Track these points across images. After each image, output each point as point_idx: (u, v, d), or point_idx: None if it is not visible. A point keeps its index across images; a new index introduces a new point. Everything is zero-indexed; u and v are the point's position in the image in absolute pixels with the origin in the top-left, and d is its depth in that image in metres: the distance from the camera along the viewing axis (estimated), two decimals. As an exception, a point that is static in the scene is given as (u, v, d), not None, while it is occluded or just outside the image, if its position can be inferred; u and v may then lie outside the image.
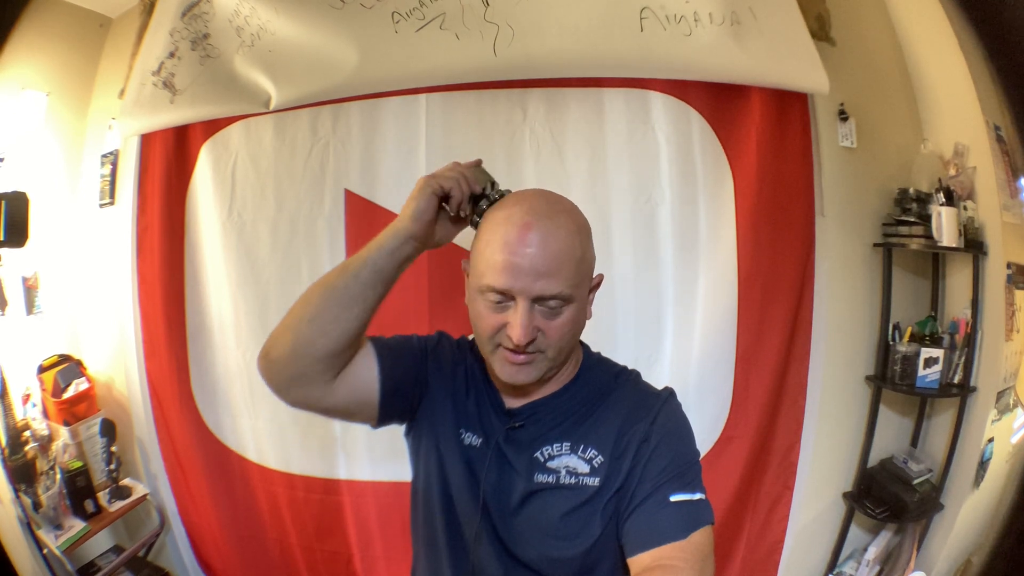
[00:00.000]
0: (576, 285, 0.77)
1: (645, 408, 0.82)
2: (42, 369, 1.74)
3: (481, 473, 0.84)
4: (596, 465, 0.80)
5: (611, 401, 0.84)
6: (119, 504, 1.75)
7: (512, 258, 0.74)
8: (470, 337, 0.91)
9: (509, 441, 0.84)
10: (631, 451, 0.78)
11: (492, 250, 0.76)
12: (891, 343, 1.60)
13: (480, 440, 0.85)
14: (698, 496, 0.75)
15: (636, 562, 0.72)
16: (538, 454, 0.82)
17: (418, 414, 0.90)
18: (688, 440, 0.82)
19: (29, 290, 1.73)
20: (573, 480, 0.80)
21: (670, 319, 1.64)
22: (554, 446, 0.82)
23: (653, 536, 0.71)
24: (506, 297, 0.76)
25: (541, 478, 0.81)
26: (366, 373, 0.86)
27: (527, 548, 0.81)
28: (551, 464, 0.81)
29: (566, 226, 0.77)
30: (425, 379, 0.89)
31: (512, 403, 0.86)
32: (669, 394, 0.85)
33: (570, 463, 0.81)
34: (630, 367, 0.91)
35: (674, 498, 0.74)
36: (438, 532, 0.87)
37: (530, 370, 0.79)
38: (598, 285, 0.84)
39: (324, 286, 0.81)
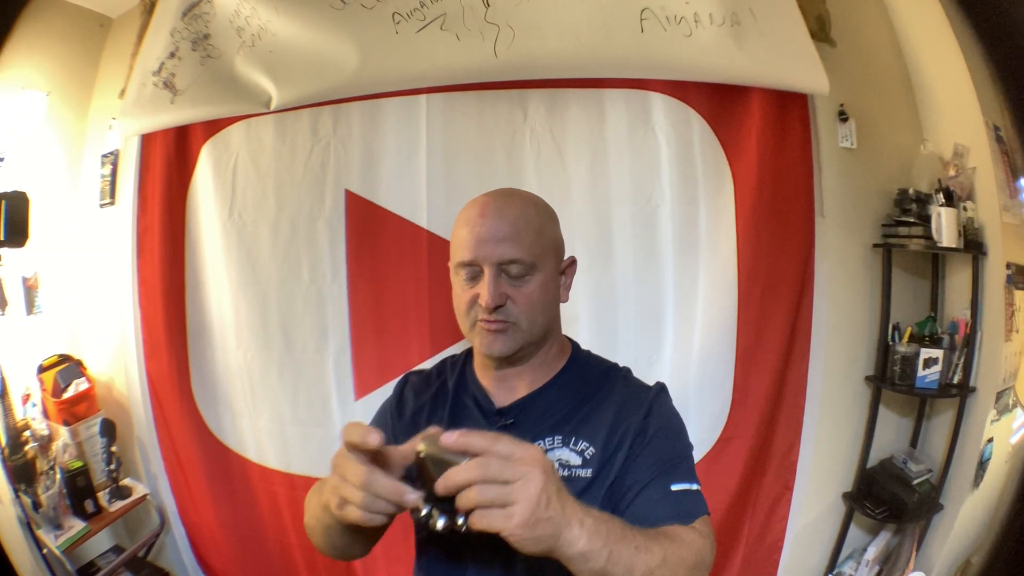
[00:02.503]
0: (538, 254, 0.82)
1: (638, 401, 0.84)
2: (42, 369, 1.74)
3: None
4: (588, 457, 0.81)
5: (602, 395, 0.86)
6: (119, 504, 1.74)
7: (473, 230, 0.81)
8: (449, 355, 0.97)
9: None
10: (626, 444, 0.80)
11: (457, 232, 0.84)
12: (891, 343, 1.60)
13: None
14: (696, 487, 0.77)
15: None
16: None
17: None
18: (682, 433, 0.85)
19: (29, 290, 1.73)
20: (565, 473, 0.81)
21: (670, 319, 1.64)
22: (545, 440, 0.83)
23: (658, 521, 0.72)
24: (475, 269, 0.82)
25: None
26: None
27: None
28: None
29: (521, 202, 0.84)
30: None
31: (502, 401, 0.87)
32: (660, 388, 0.87)
33: (562, 456, 0.82)
34: (630, 367, 0.91)
35: (675, 487, 0.76)
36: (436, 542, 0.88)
37: (505, 339, 0.83)
38: (570, 267, 0.89)
39: (320, 534, 0.82)
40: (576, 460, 0.81)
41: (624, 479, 0.78)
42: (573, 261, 0.90)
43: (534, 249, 0.81)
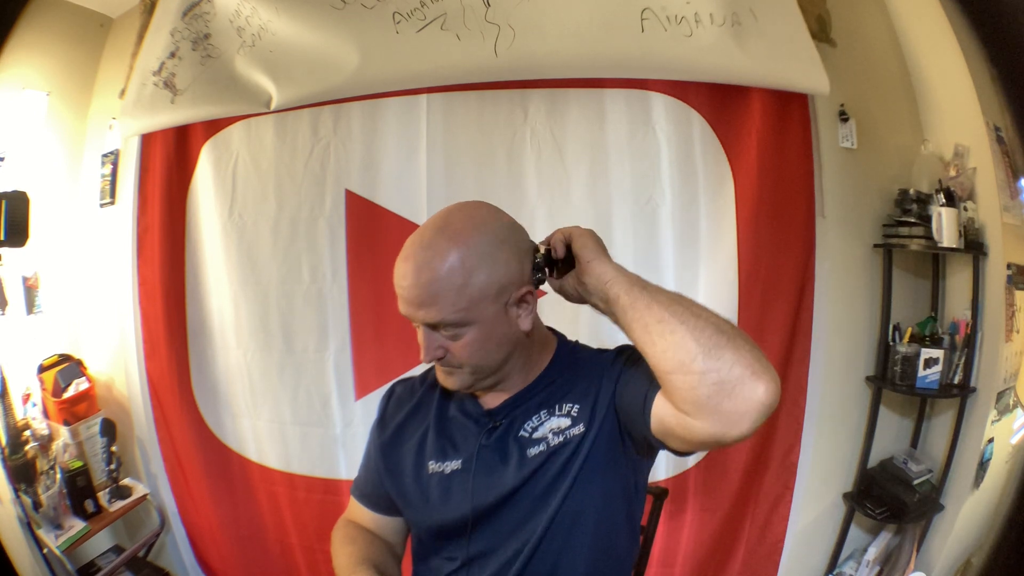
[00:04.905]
0: (464, 309, 0.77)
1: (604, 356, 0.87)
2: (42, 369, 1.74)
3: (468, 486, 0.85)
4: (575, 414, 0.83)
5: (575, 365, 0.88)
6: (119, 504, 1.74)
7: (399, 291, 0.80)
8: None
9: (493, 438, 0.85)
10: (606, 392, 0.82)
11: (395, 282, 0.82)
12: (891, 344, 1.60)
13: (460, 460, 0.87)
14: None
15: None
16: (522, 432, 0.85)
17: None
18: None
19: (29, 290, 1.73)
20: (561, 439, 0.83)
21: (670, 319, 1.64)
22: (533, 419, 0.85)
23: None
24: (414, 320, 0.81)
25: (533, 451, 0.83)
26: (404, 528, 0.97)
27: (537, 524, 0.82)
28: (537, 435, 0.84)
29: (443, 255, 0.76)
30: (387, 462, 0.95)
31: (491, 403, 0.88)
32: (624, 346, 0.87)
33: (552, 424, 0.84)
34: None
35: None
36: (437, 546, 0.90)
37: (456, 379, 0.84)
38: (523, 299, 0.81)
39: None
40: (566, 423, 0.83)
41: (625, 397, 0.80)
42: (527, 291, 0.81)
43: (457, 306, 0.76)
